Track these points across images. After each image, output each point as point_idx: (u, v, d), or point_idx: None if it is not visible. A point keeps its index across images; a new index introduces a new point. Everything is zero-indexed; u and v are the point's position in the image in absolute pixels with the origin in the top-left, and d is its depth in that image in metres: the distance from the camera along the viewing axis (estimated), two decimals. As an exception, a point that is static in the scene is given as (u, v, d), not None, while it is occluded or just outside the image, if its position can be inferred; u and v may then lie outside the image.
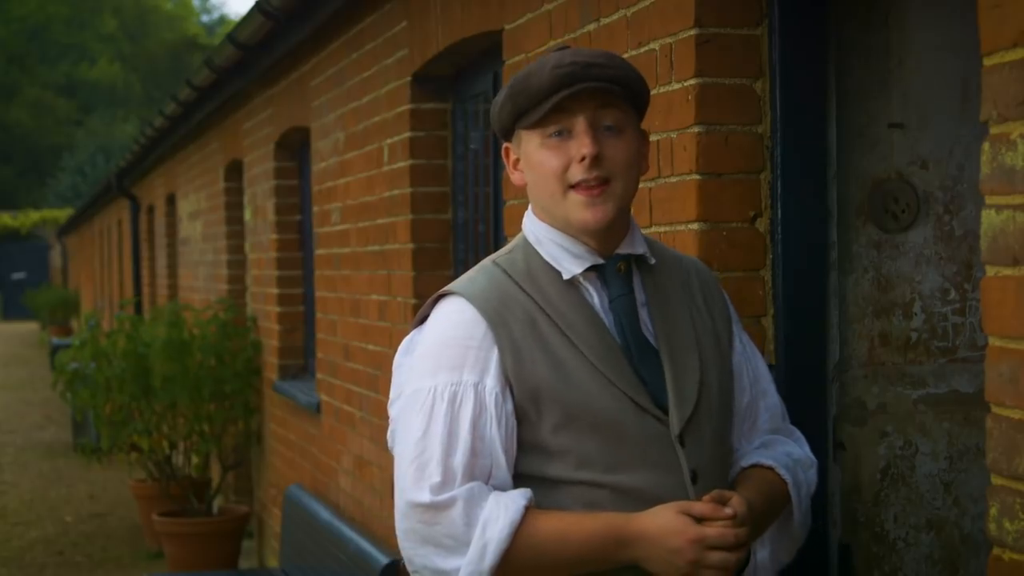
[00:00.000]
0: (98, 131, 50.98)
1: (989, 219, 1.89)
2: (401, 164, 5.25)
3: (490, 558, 2.09)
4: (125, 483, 11.25)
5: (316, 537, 5.89)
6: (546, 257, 2.26)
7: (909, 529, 3.11)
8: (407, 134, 5.17)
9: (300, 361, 7.90)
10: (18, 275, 42.44)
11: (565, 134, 2.20)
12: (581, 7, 3.50)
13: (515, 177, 2.32)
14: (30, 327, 38.08)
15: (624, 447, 2.17)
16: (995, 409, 1.90)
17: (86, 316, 9.78)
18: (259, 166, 8.31)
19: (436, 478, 2.13)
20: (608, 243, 2.26)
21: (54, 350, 18.21)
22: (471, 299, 2.21)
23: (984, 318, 1.92)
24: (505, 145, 2.33)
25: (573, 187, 2.20)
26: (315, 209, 6.79)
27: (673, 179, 3.05)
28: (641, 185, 3.19)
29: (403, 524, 2.17)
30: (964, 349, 3.13)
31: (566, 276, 2.24)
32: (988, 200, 1.89)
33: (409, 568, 2.21)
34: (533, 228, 2.31)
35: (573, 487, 2.17)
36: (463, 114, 5.10)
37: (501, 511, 2.11)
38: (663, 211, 3.10)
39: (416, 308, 5.12)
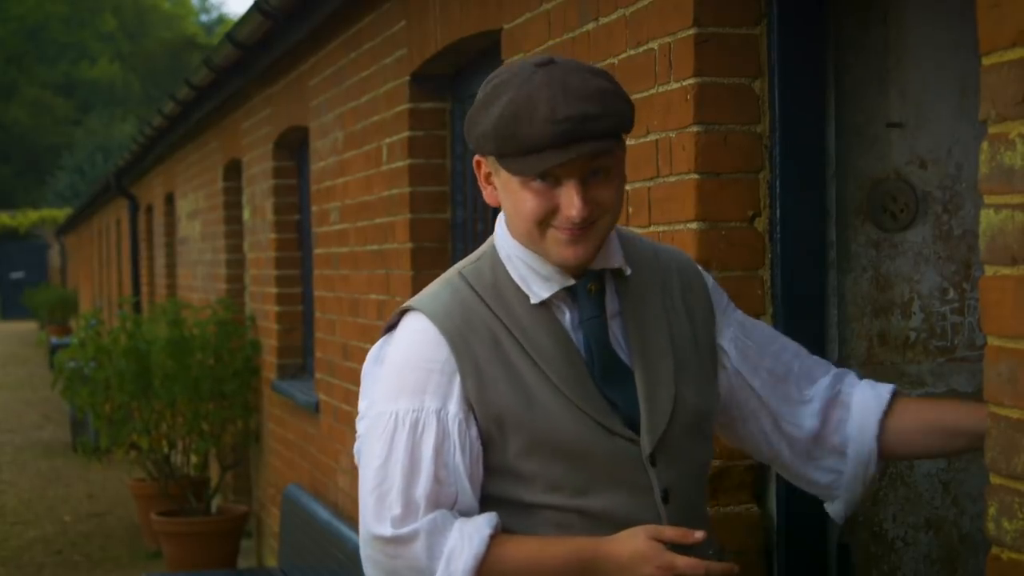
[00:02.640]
0: (97, 130, 51.00)
1: (988, 218, 1.89)
2: (400, 163, 5.25)
3: None
4: (124, 482, 11.25)
5: (315, 536, 5.89)
6: (514, 276, 2.18)
7: (908, 528, 3.11)
8: (406, 133, 5.17)
9: (299, 360, 7.90)
10: (17, 274, 42.44)
11: (550, 179, 2.09)
12: (580, 7, 3.49)
13: (487, 193, 2.23)
14: (29, 326, 38.08)
15: (593, 470, 2.13)
16: (994, 408, 1.90)
17: (85, 315, 9.78)
18: (258, 165, 8.31)
19: (396, 510, 2.08)
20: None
21: (53, 349, 18.22)
22: (433, 318, 2.14)
23: (983, 318, 1.92)
24: (477, 158, 2.21)
25: (554, 226, 2.11)
26: (314, 208, 6.79)
27: (672, 179, 3.05)
28: (640, 185, 3.20)
29: (366, 552, 2.14)
30: (963, 349, 3.13)
31: (534, 300, 2.16)
32: (987, 199, 1.89)
33: None
34: (504, 242, 2.22)
35: (543, 511, 2.13)
36: (462, 113, 5.10)
37: (465, 543, 2.06)
38: (662, 211, 3.10)
39: (415, 307, 5.12)
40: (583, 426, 2.13)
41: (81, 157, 48.32)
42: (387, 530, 2.09)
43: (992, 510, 1.91)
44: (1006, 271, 1.85)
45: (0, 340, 33.35)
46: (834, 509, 2.41)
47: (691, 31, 2.94)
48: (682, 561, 2.05)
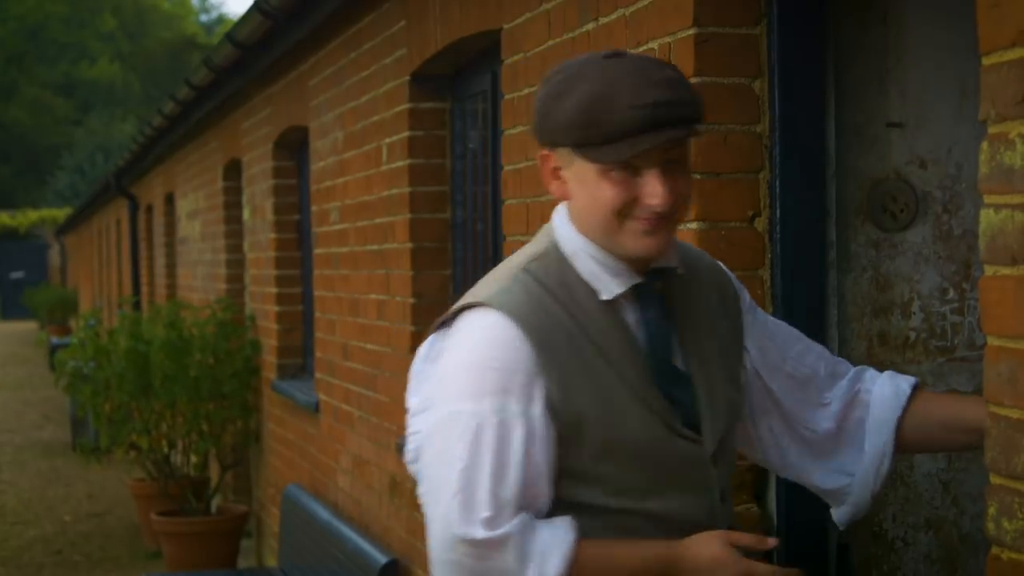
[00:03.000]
0: (97, 130, 51.01)
1: (988, 218, 1.89)
2: (400, 163, 5.25)
3: None
4: (123, 482, 11.25)
5: (315, 536, 5.89)
6: (583, 273, 2.13)
7: (908, 528, 3.11)
8: (406, 133, 5.17)
9: (299, 360, 7.90)
10: (16, 274, 42.43)
11: (630, 169, 2.04)
12: (580, 6, 3.49)
13: (554, 187, 2.15)
14: (28, 326, 38.07)
15: (659, 473, 2.13)
16: (993, 408, 1.90)
17: (85, 315, 9.78)
18: (258, 165, 8.31)
19: (486, 512, 2.03)
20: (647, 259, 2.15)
21: (53, 349, 18.22)
22: (512, 316, 2.07)
23: (983, 317, 1.92)
24: (544, 152, 2.14)
25: (633, 216, 2.08)
26: (314, 208, 6.79)
27: (672, 178, 3.05)
28: (640, 184, 3.19)
29: (446, 555, 2.07)
30: (963, 348, 3.13)
31: (606, 296, 2.12)
32: (987, 199, 1.89)
33: None
34: (569, 238, 2.15)
35: (608, 514, 2.12)
36: (461, 113, 5.10)
37: (555, 546, 2.05)
38: (662, 210, 3.10)
39: (415, 308, 5.12)
40: (654, 427, 2.12)
41: (81, 157, 48.33)
42: (479, 532, 2.03)
43: (992, 510, 1.91)
44: (1006, 271, 1.85)
45: (0, 340, 33.35)
46: (840, 513, 2.40)
47: (691, 31, 2.94)
48: (761, 568, 2.07)
